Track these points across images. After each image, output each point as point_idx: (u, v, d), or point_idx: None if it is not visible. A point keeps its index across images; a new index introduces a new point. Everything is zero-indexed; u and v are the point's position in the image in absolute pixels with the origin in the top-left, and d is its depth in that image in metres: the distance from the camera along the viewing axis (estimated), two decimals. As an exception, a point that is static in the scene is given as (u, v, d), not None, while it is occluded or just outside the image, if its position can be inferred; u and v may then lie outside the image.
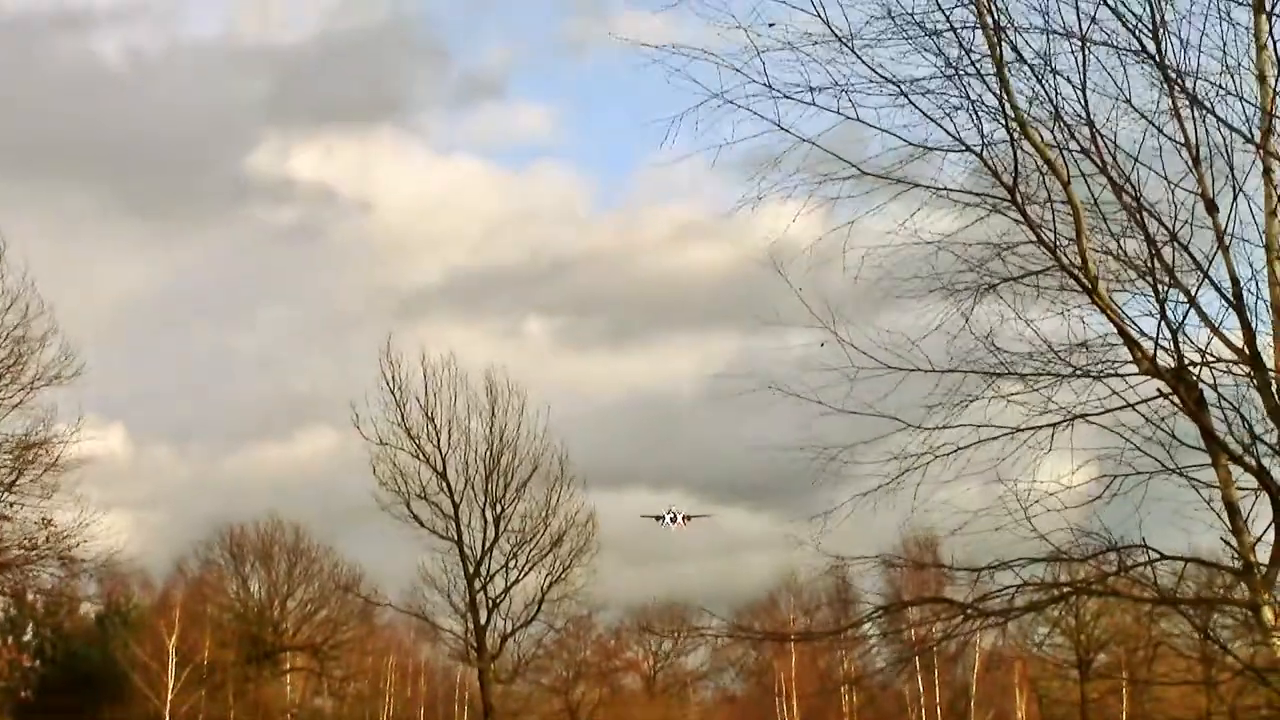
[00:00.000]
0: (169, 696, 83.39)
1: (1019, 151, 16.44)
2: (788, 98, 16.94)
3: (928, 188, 17.15)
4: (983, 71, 16.51)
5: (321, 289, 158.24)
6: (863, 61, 16.73)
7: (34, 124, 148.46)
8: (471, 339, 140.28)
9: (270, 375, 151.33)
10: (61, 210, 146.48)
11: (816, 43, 16.72)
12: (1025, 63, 16.38)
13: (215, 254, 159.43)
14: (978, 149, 16.76)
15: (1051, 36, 16.28)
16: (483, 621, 71.73)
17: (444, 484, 70.79)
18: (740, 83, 16.84)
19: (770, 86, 16.86)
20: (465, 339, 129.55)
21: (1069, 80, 16.26)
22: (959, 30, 16.49)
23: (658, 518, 75.57)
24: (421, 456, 70.59)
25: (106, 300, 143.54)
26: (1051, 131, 16.46)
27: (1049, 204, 16.74)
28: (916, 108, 16.85)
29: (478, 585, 71.42)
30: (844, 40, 16.60)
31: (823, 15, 16.53)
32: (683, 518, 77.57)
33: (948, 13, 16.46)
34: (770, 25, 16.51)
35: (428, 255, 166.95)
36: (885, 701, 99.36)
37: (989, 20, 16.38)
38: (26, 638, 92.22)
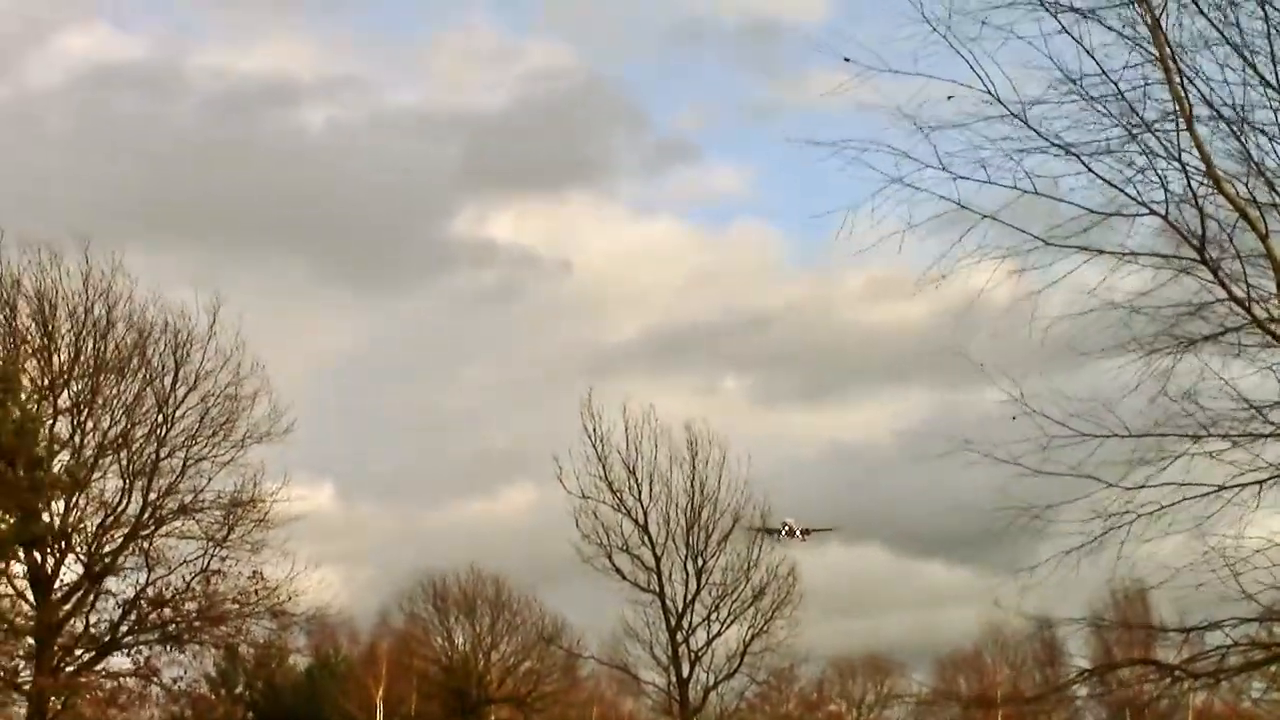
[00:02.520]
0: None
1: (1205, 211, 16.10)
2: (964, 177, 16.87)
3: (1114, 254, 16.89)
4: (1166, 129, 16.21)
5: (522, 348, 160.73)
6: (1037, 133, 16.60)
7: (246, 194, 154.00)
8: (668, 395, 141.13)
9: (473, 432, 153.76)
10: (272, 276, 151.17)
11: (989, 121, 16.63)
12: (1220, 117, 16.06)
13: (419, 316, 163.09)
14: (1162, 210, 16.47)
15: (1244, 88, 15.94)
16: (685, 674, 71.56)
17: (645, 536, 70.98)
18: (916, 166, 16.81)
19: (945, 168, 16.79)
20: (661, 395, 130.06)
21: (1263, 132, 15.94)
22: (1145, 88, 16.25)
23: (772, 532, 74.06)
24: (623, 509, 70.89)
25: (317, 363, 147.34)
26: (1246, 185, 16.12)
27: (1241, 258, 16.36)
28: (1095, 174, 16.63)
29: (680, 638, 71.38)
30: (1016, 114, 16.46)
31: (992, 90, 16.43)
32: (800, 532, 75.58)
33: (1127, 72, 16.22)
34: (949, 98, 16.44)
35: (625, 313, 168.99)
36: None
37: (1175, 77, 16.09)
38: (238, 689, 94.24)
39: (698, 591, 71.38)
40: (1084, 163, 16.55)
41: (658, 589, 71.16)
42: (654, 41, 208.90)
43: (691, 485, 71.63)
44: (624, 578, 70.88)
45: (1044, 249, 16.82)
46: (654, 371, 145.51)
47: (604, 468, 70.92)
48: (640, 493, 70.92)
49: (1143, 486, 17.49)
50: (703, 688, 72.48)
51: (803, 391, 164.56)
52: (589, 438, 70.94)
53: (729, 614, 71.68)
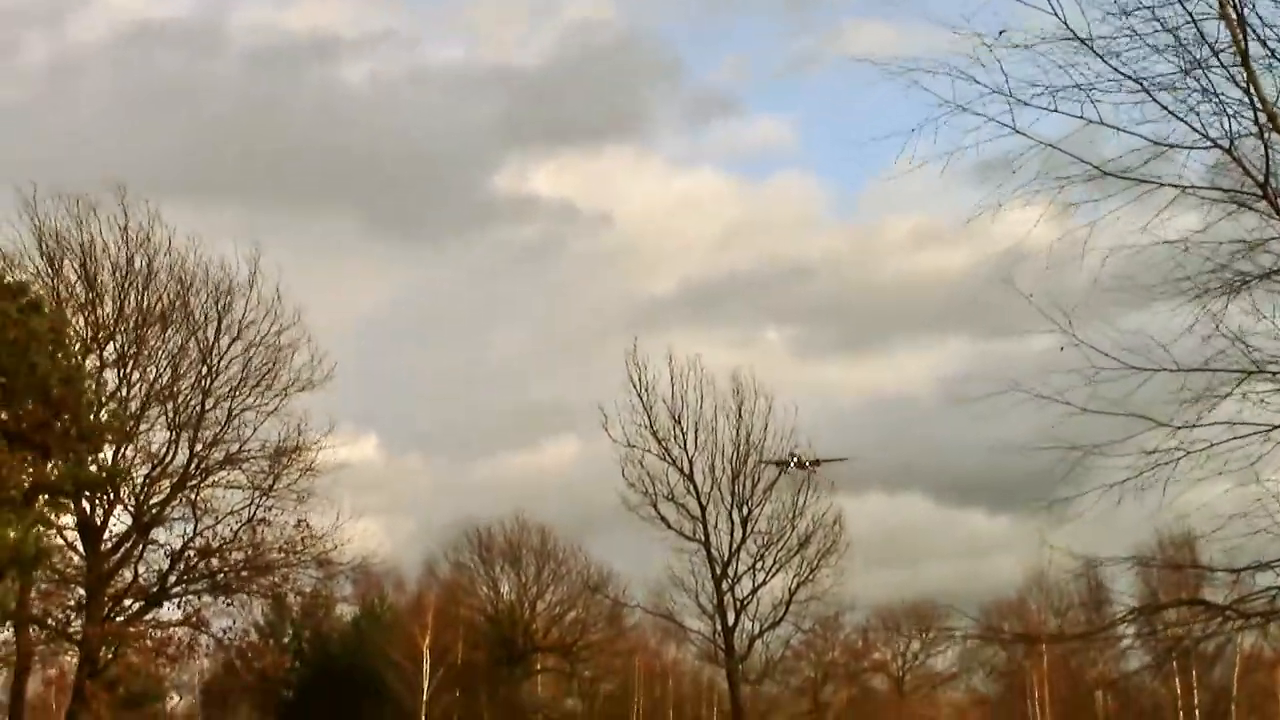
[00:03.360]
0: (424, 697, 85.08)
1: (1270, 146, 15.84)
2: (1024, 102, 16.61)
3: (1174, 186, 16.62)
4: (1227, 65, 15.95)
5: (564, 301, 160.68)
6: (1102, 59, 16.32)
7: (289, 149, 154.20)
8: (709, 347, 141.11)
9: (516, 384, 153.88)
10: (315, 232, 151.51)
11: (1052, 43, 16.36)
12: (1275, 56, 15.78)
13: (461, 270, 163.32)
14: (1224, 144, 16.20)
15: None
16: (730, 622, 71.75)
17: (691, 485, 71.08)
18: (975, 90, 16.58)
19: (1007, 92, 16.55)
20: (702, 347, 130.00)
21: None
22: (1199, 24, 15.97)
23: (780, 464, 73.43)
24: (668, 458, 70.96)
25: (359, 317, 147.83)
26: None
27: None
28: (1159, 104, 16.36)
29: (725, 586, 71.49)
30: (1083, 39, 16.19)
31: (1060, 15, 16.17)
32: (810, 463, 74.65)
33: (1188, 7, 15.95)
34: (1001, 33, 16.19)
35: (666, 266, 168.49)
36: (1140, 704, 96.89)
37: (1231, 13, 15.81)
38: (285, 639, 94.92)
39: (743, 540, 71.53)
40: (1150, 93, 16.26)
41: (703, 537, 71.32)
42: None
43: (737, 434, 71.70)
44: (669, 526, 71.09)
45: (1099, 181, 16.56)
46: (695, 323, 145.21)
47: (649, 417, 71.06)
48: (685, 441, 71.04)
49: (1192, 426, 17.28)
50: (748, 636, 72.76)
51: (843, 342, 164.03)
52: (634, 387, 71.06)
53: (774, 562, 71.82)
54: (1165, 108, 16.31)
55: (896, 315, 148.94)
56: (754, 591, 71.89)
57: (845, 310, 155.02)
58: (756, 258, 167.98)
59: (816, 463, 73.66)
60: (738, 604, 71.83)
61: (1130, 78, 16.30)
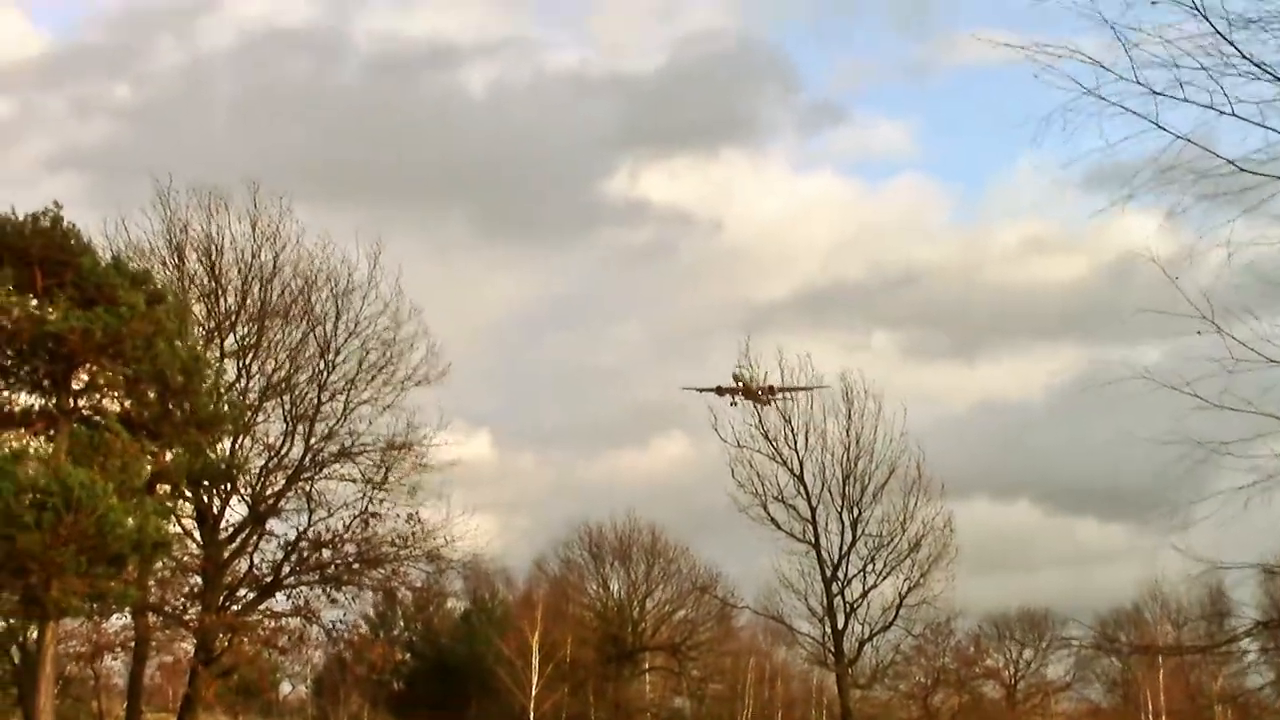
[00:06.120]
0: (533, 692, 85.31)
1: None
2: (1159, 94, 16.24)
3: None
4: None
5: (675, 304, 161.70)
6: (1240, 54, 15.92)
7: (409, 153, 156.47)
8: (818, 350, 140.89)
9: (626, 385, 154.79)
10: (434, 234, 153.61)
11: (1189, 36, 15.99)
12: None
13: (574, 272, 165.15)
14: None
15: None
16: (840, 626, 71.34)
17: (801, 486, 70.79)
18: (1110, 80, 16.25)
19: (1141, 82, 16.18)
20: (812, 350, 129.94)
21: None
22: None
23: (714, 390, 71.69)
24: (779, 459, 70.76)
25: (475, 317, 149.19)
26: None
27: None
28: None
29: (835, 589, 71.09)
30: (1222, 34, 15.83)
31: (1199, 6, 15.81)
32: (760, 389, 72.03)
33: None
34: (1154, 2, 15.80)
35: (777, 270, 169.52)
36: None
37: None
38: (396, 632, 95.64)
39: (853, 543, 71.04)
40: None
41: (813, 539, 70.97)
42: (809, 1, 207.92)
43: (847, 436, 71.23)
44: (779, 528, 70.87)
45: (1234, 176, 16.16)
46: (805, 327, 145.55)
47: (759, 417, 70.87)
48: (796, 443, 70.77)
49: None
50: (858, 640, 72.19)
51: (953, 348, 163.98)
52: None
53: (884, 566, 71.19)
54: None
55: (1007, 321, 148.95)
56: (864, 595, 71.44)
57: (955, 315, 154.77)
58: (868, 262, 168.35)
59: (772, 389, 72.09)
60: (848, 607, 71.39)
61: (1270, 72, 15.88)
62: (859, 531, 70.92)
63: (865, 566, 71.21)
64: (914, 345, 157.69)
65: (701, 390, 74.92)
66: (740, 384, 72.90)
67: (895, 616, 71.96)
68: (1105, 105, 16.29)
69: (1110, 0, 15.89)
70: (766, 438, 70.60)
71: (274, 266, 57.75)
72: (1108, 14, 15.94)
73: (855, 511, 70.90)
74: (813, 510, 70.70)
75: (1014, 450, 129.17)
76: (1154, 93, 16.21)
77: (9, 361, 39.04)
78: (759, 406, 71.75)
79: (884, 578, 71.16)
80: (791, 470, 70.61)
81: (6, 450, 36.86)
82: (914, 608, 72.63)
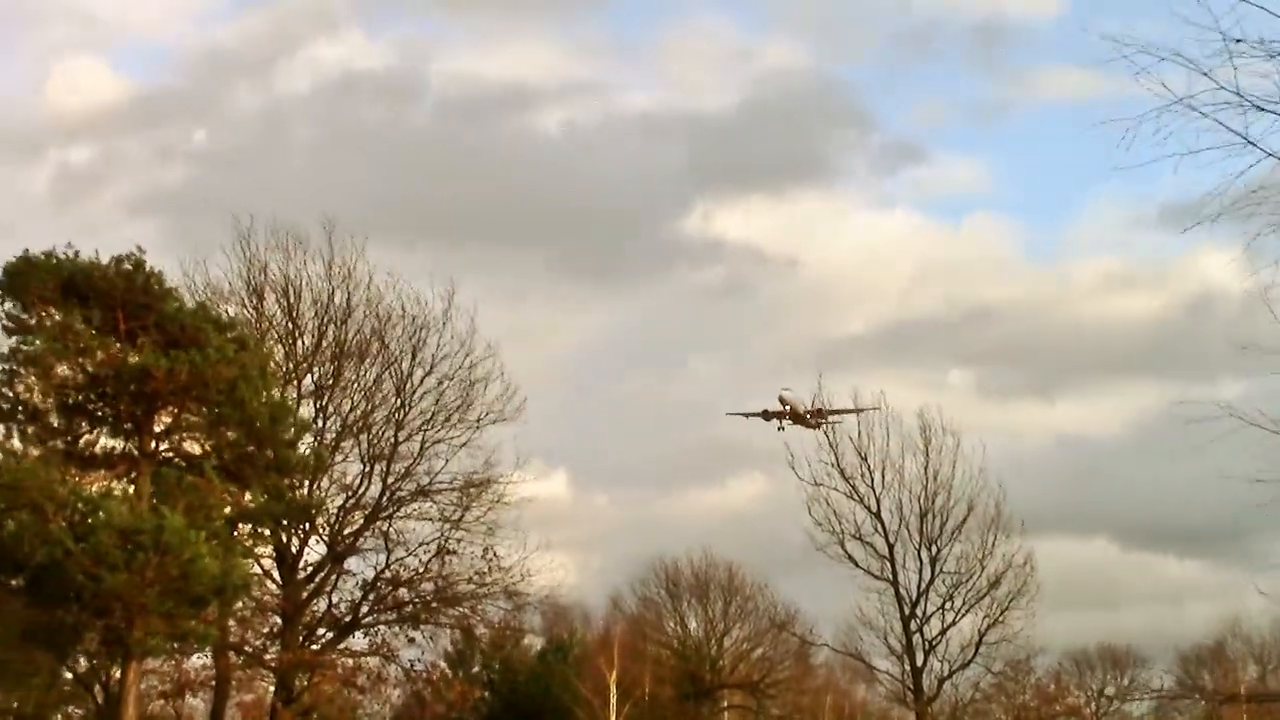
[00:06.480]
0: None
1: None
2: (1258, 108, 15.95)
3: None
4: None
5: (749, 343, 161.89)
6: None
7: (484, 194, 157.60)
8: (894, 388, 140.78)
9: (701, 423, 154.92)
10: (509, 274, 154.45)
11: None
12: None
13: (649, 312, 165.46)
14: None
15: None
16: (919, 663, 70.95)
17: (878, 524, 70.64)
18: (1205, 89, 15.98)
19: (1240, 93, 15.90)
20: (888, 388, 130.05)
21: None
22: None
23: (760, 414, 70.80)
24: (855, 496, 70.66)
25: (551, 356, 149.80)
26: None
27: None
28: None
29: (914, 626, 70.73)
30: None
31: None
32: (808, 412, 71.01)
33: None
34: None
35: (853, 308, 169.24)
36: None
37: None
38: (474, 670, 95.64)
39: (931, 580, 70.79)
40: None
41: (891, 577, 70.70)
42: (882, 42, 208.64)
43: (925, 473, 71.00)
44: (857, 565, 70.82)
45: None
46: (880, 365, 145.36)
47: (836, 455, 70.72)
48: (873, 480, 70.60)
49: None
50: (937, 677, 71.78)
51: (1029, 385, 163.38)
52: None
53: (963, 603, 70.83)
54: None
55: (1084, 357, 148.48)
56: (943, 632, 71.16)
57: (1032, 352, 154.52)
58: (944, 300, 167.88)
59: (822, 411, 71.32)
60: (927, 644, 71.06)
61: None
62: (937, 569, 70.78)
63: (944, 604, 71.04)
64: (991, 382, 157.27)
65: (748, 415, 74.73)
66: (787, 407, 72.63)
67: (975, 654, 71.62)
68: (1196, 117, 16.04)
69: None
70: (843, 475, 70.66)
71: (348, 306, 58.25)
72: (1208, 23, 15.65)
73: (934, 548, 70.76)
74: (890, 547, 70.59)
75: (1092, 487, 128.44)
76: (1255, 107, 15.89)
77: (93, 404, 39.47)
78: (828, 431, 71.61)
79: (963, 615, 70.96)
80: (869, 508, 70.61)
81: (93, 491, 37.28)
82: (994, 645, 72.21)
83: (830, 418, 73.23)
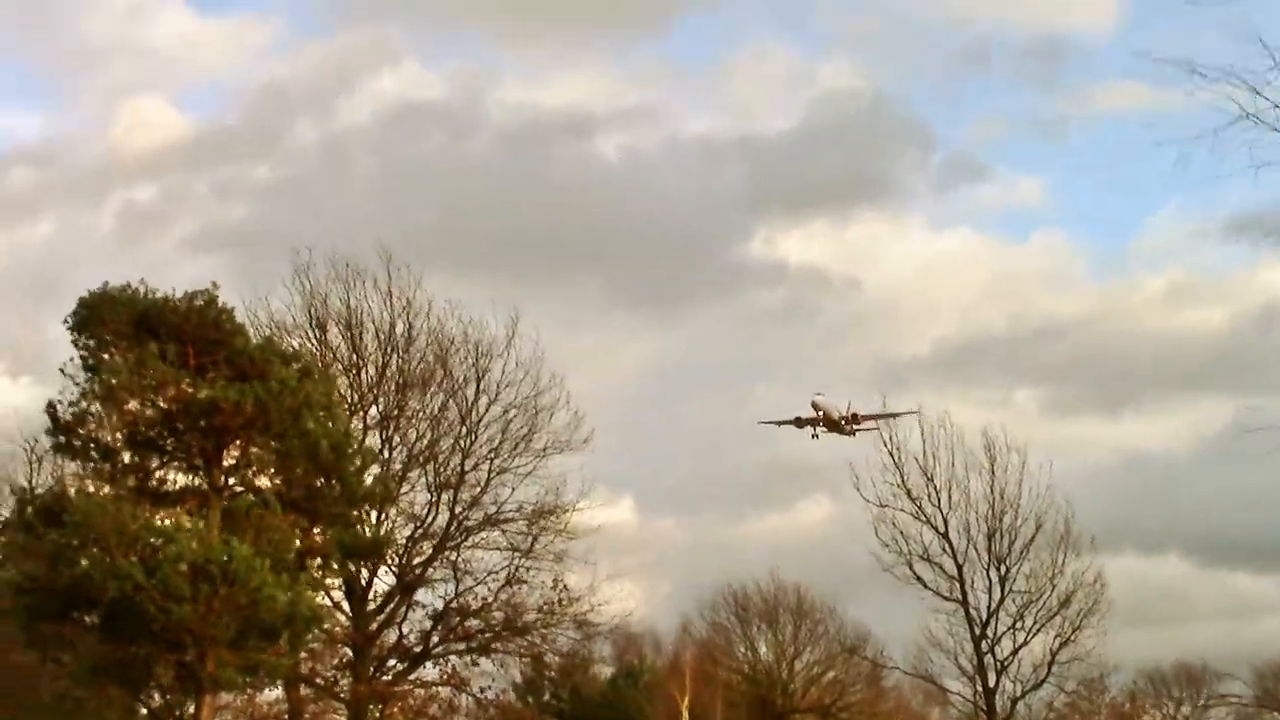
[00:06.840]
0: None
1: None
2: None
3: None
4: None
5: (813, 364, 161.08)
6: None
7: (544, 222, 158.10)
8: (959, 407, 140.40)
9: (767, 446, 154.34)
10: (570, 300, 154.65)
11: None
12: None
13: (712, 335, 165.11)
14: None
15: None
16: (992, 684, 70.49)
17: (946, 544, 70.29)
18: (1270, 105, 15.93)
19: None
20: (953, 407, 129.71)
21: None
22: None
23: (803, 423, 69.86)
24: (922, 517, 70.36)
25: (614, 383, 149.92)
26: None
27: None
28: None
29: (985, 647, 70.30)
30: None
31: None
32: (843, 418, 69.76)
33: None
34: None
35: (917, 327, 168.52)
36: None
37: None
38: (545, 698, 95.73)
39: (1001, 600, 70.29)
40: None
41: (960, 597, 70.32)
42: (941, 60, 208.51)
43: (991, 492, 70.62)
44: (925, 586, 70.44)
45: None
46: (945, 384, 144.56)
47: (902, 476, 70.52)
48: (939, 500, 70.32)
49: None
50: (1009, 698, 71.25)
51: (1096, 402, 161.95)
52: (885, 445, 70.69)
53: (1034, 622, 70.30)
54: None
55: (1150, 372, 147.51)
56: (1014, 652, 70.62)
57: (1097, 368, 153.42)
58: (1007, 317, 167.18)
59: (858, 416, 70.16)
60: (998, 665, 70.60)
61: None
62: (1007, 588, 70.25)
63: (1015, 623, 70.52)
64: (1056, 399, 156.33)
65: (780, 424, 74.32)
66: (820, 413, 72.19)
67: (1048, 673, 71.06)
68: (1264, 131, 15.95)
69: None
70: (910, 496, 70.32)
71: (409, 336, 58.57)
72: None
73: (1003, 568, 70.28)
74: (959, 568, 70.19)
75: (1162, 502, 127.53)
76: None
77: (164, 440, 39.81)
78: (889, 444, 71.29)
79: (1034, 634, 70.42)
80: (936, 528, 70.25)
81: (162, 524, 37.59)
82: (1066, 664, 71.67)
83: (865, 423, 72.82)
